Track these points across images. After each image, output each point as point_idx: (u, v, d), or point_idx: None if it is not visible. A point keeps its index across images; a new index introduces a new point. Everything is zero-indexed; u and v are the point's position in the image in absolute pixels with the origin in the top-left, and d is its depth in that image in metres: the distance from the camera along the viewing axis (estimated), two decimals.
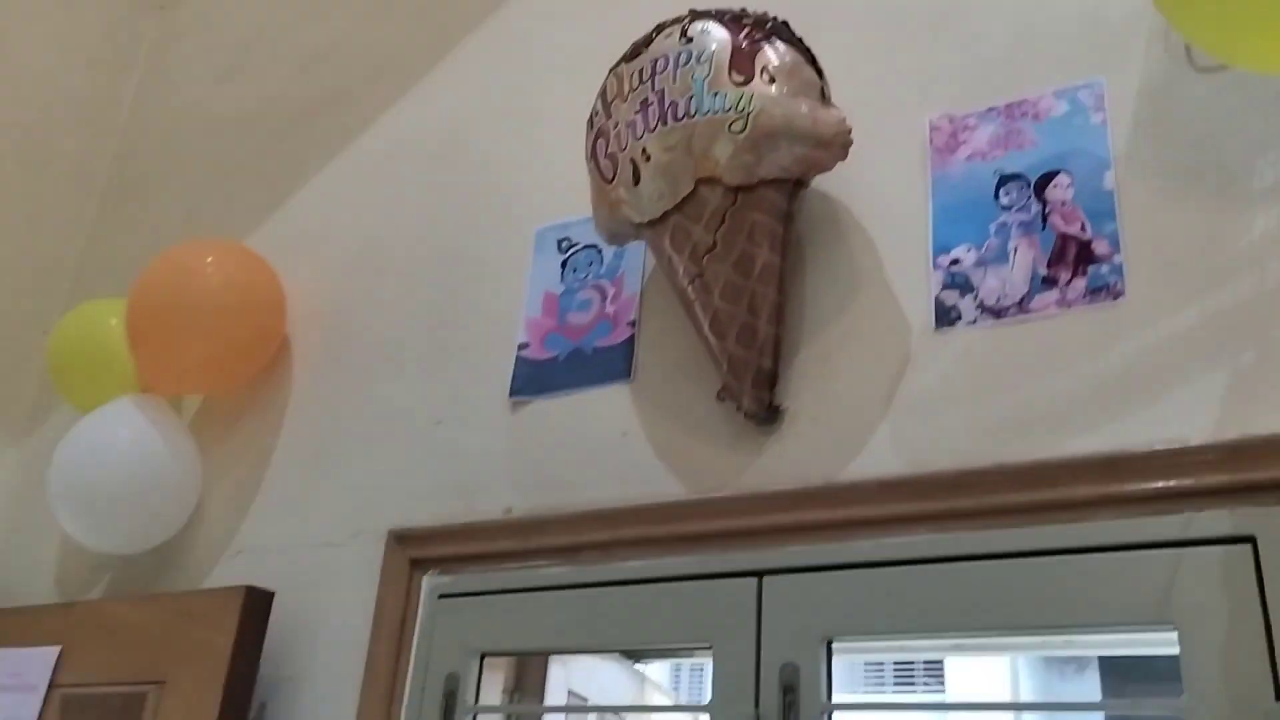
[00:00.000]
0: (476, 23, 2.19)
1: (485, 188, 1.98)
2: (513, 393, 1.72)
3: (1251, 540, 1.08)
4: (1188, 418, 1.17)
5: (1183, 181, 1.28)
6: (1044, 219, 1.37)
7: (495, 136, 2.02)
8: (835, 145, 1.39)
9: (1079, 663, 3.90)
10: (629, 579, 1.47)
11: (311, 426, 1.93)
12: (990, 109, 1.48)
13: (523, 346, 1.75)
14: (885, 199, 1.51)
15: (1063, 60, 1.45)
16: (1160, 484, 1.14)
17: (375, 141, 2.21)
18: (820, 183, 1.53)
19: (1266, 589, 1.05)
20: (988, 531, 1.24)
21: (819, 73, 1.45)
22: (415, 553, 1.67)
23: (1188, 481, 1.13)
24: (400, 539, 1.69)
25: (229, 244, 2.09)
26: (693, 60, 1.43)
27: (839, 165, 1.45)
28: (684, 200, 1.42)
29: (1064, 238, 1.35)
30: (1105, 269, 1.30)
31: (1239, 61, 1.04)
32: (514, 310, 1.79)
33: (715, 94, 1.40)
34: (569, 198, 1.81)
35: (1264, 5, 0.89)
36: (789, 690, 1.26)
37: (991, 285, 1.37)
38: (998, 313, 1.35)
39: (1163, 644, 1.13)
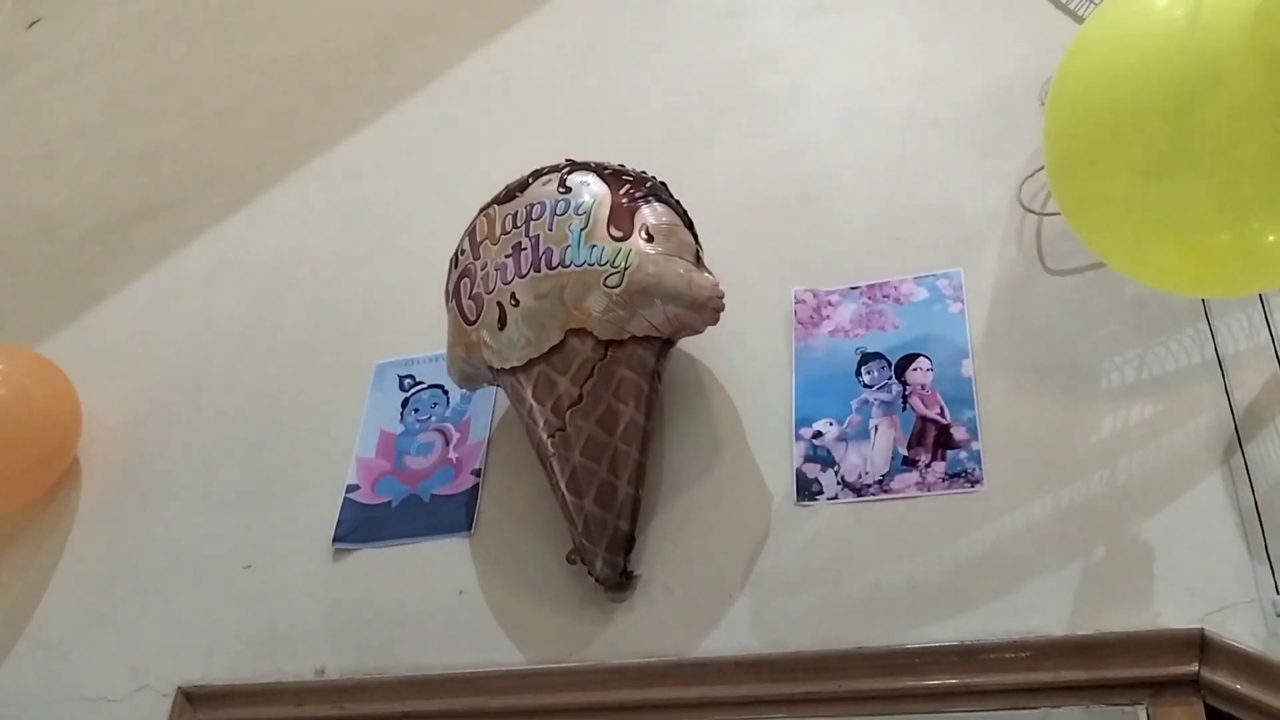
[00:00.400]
0: (328, 145, 2.16)
1: (322, 315, 1.91)
2: (336, 539, 1.61)
3: None
4: (1043, 610, 1.20)
5: (1036, 376, 1.36)
6: (904, 400, 1.42)
7: (338, 262, 1.96)
8: (708, 308, 1.41)
9: None
10: None
11: (96, 561, 1.74)
12: (853, 288, 1.54)
13: (351, 489, 1.65)
14: (750, 366, 1.53)
15: (923, 248, 1.54)
16: (1018, 677, 1.16)
17: (202, 254, 2.11)
18: (685, 343, 1.54)
19: None
20: (845, 719, 1.22)
21: (694, 236, 1.48)
22: (208, 714, 1.50)
23: (1045, 676, 1.15)
24: (190, 698, 1.52)
25: (20, 350, 1.91)
26: (570, 210, 1.43)
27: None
28: (551, 350, 1.40)
29: (924, 420, 1.40)
30: (964, 455, 1.35)
31: (1139, 275, 1.12)
32: (344, 449, 1.70)
33: (592, 246, 1.40)
34: (413, 334, 1.77)
35: (1157, 219, 0.97)
36: None
37: (853, 461, 1.40)
38: (859, 490, 1.38)
39: None
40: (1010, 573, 1.24)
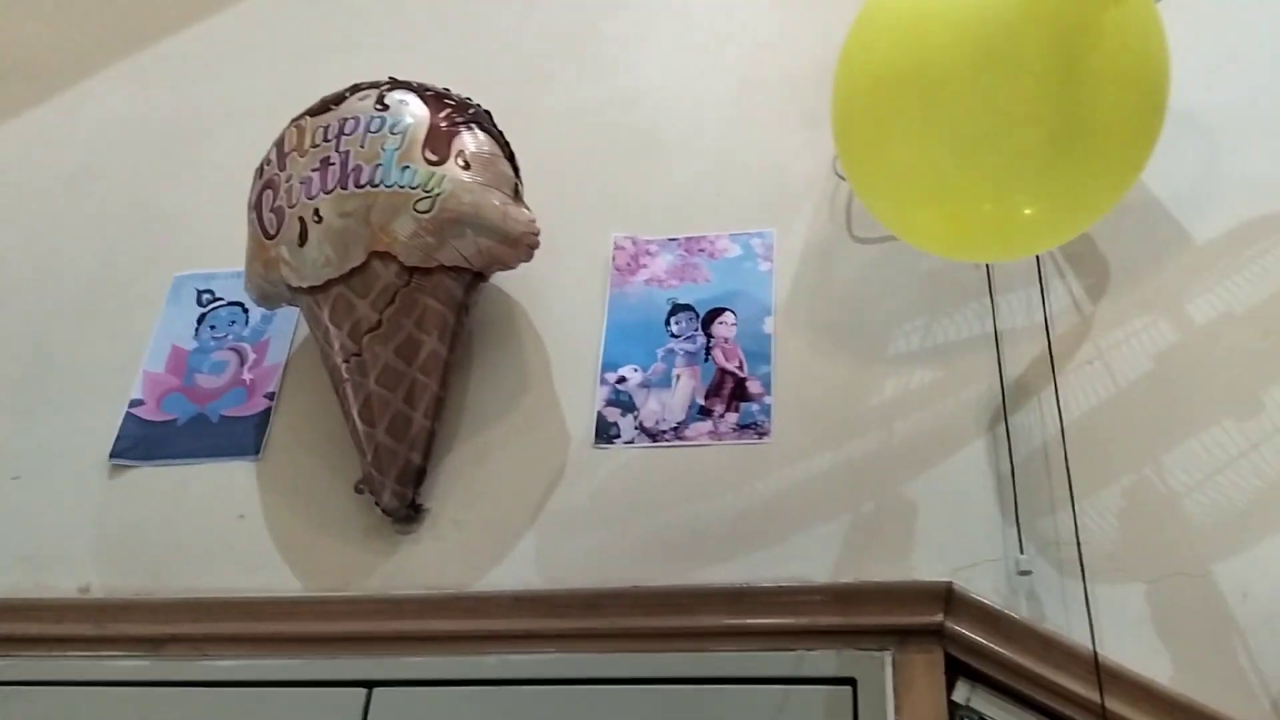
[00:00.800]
0: (143, 44, 2.09)
1: (122, 221, 1.86)
2: (114, 454, 1.59)
3: (852, 682, 1.20)
4: (811, 559, 1.29)
5: (831, 338, 1.45)
6: (707, 352, 1.49)
7: (144, 167, 1.92)
8: (522, 244, 1.44)
9: None
10: (220, 680, 1.37)
11: None
12: (671, 239, 1.60)
13: (135, 403, 1.63)
14: (563, 307, 1.58)
15: (742, 207, 1.60)
16: (779, 620, 1.25)
17: None
18: (501, 279, 1.57)
19: None
20: (616, 655, 1.29)
21: (515, 169, 1.50)
22: None
23: (803, 620, 1.24)
24: None
25: None
26: (385, 129, 1.44)
27: (522, 265, 1.51)
28: (352, 271, 1.41)
29: (723, 373, 1.47)
30: (756, 408, 1.43)
31: (905, 235, 1.21)
32: (131, 361, 1.67)
33: (405, 168, 1.41)
34: (217, 248, 1.74)
35: (928, 185, 1.05)
36: None
37: (653, 408, 1.46)
38: (654, 435, 1.44)
39: None
40: (786, 522, 1.33)
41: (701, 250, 1.59)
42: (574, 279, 1.60)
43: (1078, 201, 1.04)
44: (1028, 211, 1.04)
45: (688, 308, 1.54)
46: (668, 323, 1.53)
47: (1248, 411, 1.25)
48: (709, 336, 1.51)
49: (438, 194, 1.40)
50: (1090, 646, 1.15)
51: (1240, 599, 1.16)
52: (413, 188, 1.40)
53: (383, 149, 1.43)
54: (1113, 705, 1.11)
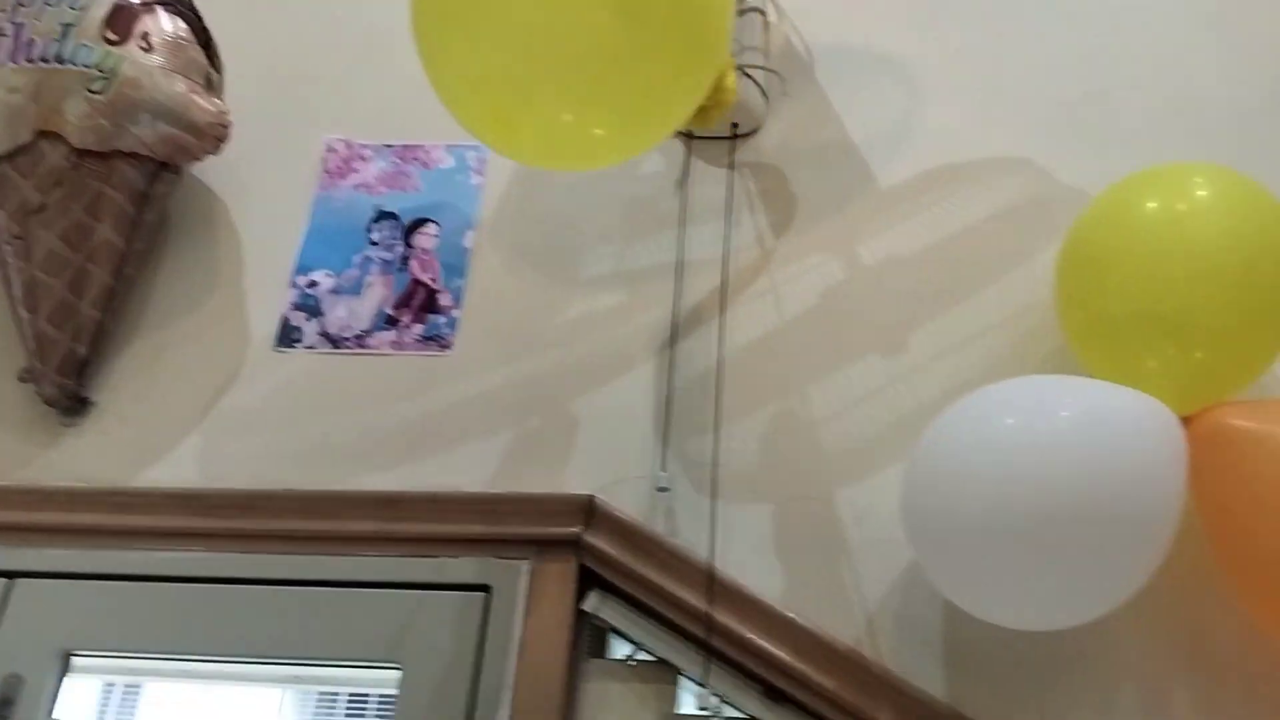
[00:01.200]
0: None
1: None
2: None
3: (487, 589, 1.25)
4: (470, 469, 1.34)
5: (529, 257, 1.49)
6: (405, 262, 1.52)
7: None
8: (208, 135, 1.43)
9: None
10: None
11: None
12: (387, 145, 1.62)
13: None
14: (266, 207, 1.58)
15: None
16: (426, 527, 1.29)
17: None
18: (206, 173, 1.57)
19: (489, 636, 1.23)
20: (266, 556, 1.32)
21: (212, 58, 1.49)
22: None
23: (450, 529, 1.29)
24: None
25: None
26: (65, 4, 1.41)
27: (230, 161, 1.51)
28: (18, 150, 1.38)
29: (416, 283, 1.50)
30: (443, 320, 1.47)
31: (469, 127, 1.23)
32: None
33: (81, 46, 1.39)
34: None
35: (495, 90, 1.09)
36: (4, 703, 1.24)
37: (339, 315, 1.49)
38: (336, 342, 1.47)
39: (389, 683, 1.26)
40: (453, 433, 1.37)
41: (415, 159, 1.61)
42: (282, 179, 1.60)
43: (644, 121, 1.09)
44: (599, 131, 1.09)
45: (392, 216, 1.56)
46: (369, 230, 1.55)
47: (893, 349, 1.34)
48: (409, 247, 1.53)
49: (114, 76, 1.38)
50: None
51: (855, 523, 1.25)
52: (87, 67, 1.38)
53: (60, 24, 1.40)
54: (721, 617, 1.20)
